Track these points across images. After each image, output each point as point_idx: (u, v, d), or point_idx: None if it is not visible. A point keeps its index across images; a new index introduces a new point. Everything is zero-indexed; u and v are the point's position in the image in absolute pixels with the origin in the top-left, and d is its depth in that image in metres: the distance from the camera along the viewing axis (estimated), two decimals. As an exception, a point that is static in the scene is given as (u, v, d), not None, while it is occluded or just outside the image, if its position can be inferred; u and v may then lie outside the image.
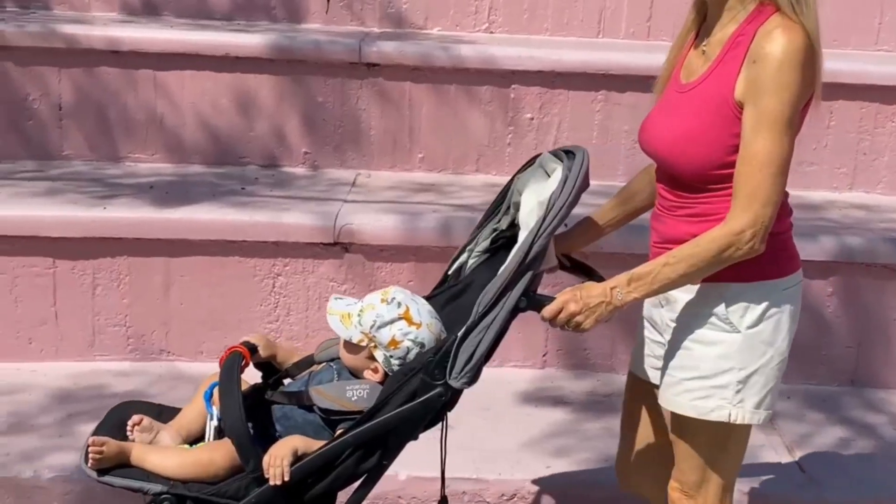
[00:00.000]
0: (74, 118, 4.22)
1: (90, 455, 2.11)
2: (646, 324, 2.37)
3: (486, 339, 2.07)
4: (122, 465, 2.15)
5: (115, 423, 2.27)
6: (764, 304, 2.15)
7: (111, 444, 2.13)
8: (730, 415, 2.18)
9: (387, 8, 4.75)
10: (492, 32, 4.79)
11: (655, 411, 2.40)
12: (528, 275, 2.08)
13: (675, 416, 2.25)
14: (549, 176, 2.18)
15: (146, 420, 2.24)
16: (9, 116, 4.17)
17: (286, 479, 2.06)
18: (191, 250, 3.60)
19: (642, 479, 2.52)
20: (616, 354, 3.70)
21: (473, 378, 2.09)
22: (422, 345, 2.21)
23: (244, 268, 3.62)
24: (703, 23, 2.22)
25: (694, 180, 2.13)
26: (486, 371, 3.56)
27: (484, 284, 2.25)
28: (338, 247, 3.61)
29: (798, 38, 2.01)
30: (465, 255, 2.41)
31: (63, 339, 3.63)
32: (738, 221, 2.04)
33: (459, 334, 2.08)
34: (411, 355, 2.21)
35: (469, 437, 3.18)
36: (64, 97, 4.20)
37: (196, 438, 2.28)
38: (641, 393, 2.42)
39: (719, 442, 2.24)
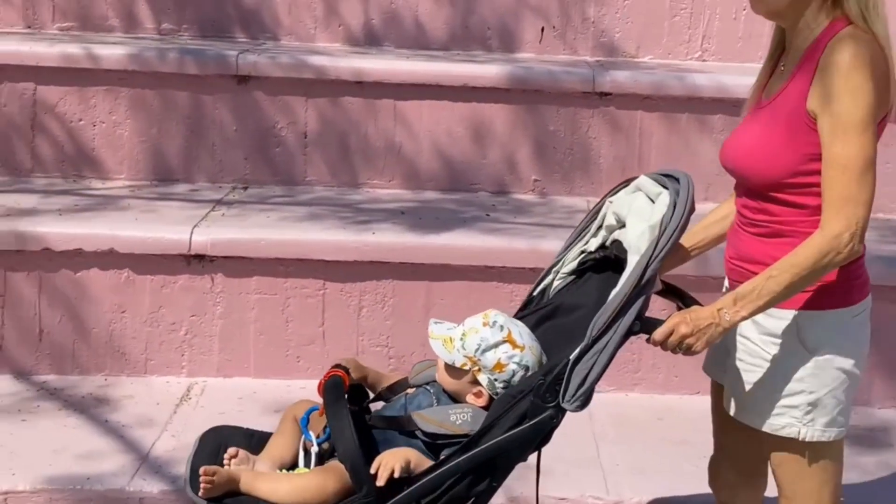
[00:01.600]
0: (318, 145, 4.42)
1: (202, 484, 2.13)
2: None
3: (600, 363, 2.09)
4: (230, 493, 2.17)
5: (210, 449, 2.30)
6: (836, 332, 2.21)
7: (221, 473, 2.15)
8: (799, 432, 2.23)
9: (599, 37, 4.88)
10: (704, 60, 4.89)
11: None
12: (642, 298, 2.11)
13: (770, 443, 2.31)
14: (653, 201, 2.20)
15: (242, 453, 2.26)
16: (258, 143, 4.40)
17: (396, 475, 2.09)
18: (451, 275, 3.76)
19: (723, 483, 2.57)
20: (872, 388, 3.74)
21: (586, 401, 2.11)
22: (526, 367, 2.23)
23: (501, 293, 3.76)
24: (785, 48, 2.27)
25: (766, 189, 2.19)
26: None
27: (573, 305, 2.32)
28: (594, 274, 3.73)
29: (866, 45, 2.07)
30: (550, 277, 2.42)
31: (329, 357, 3.80)
32: (833, 226, 2.08)
33: (572, 357, 2.09)
34: (516, 378, 2.22)
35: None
36: (309, 125, 4.41)
37: (290, 465, 2.29)
38: (715, 395, 2.48)
39: (815, 462, 2.28)
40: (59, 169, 4.35)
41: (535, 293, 2.44)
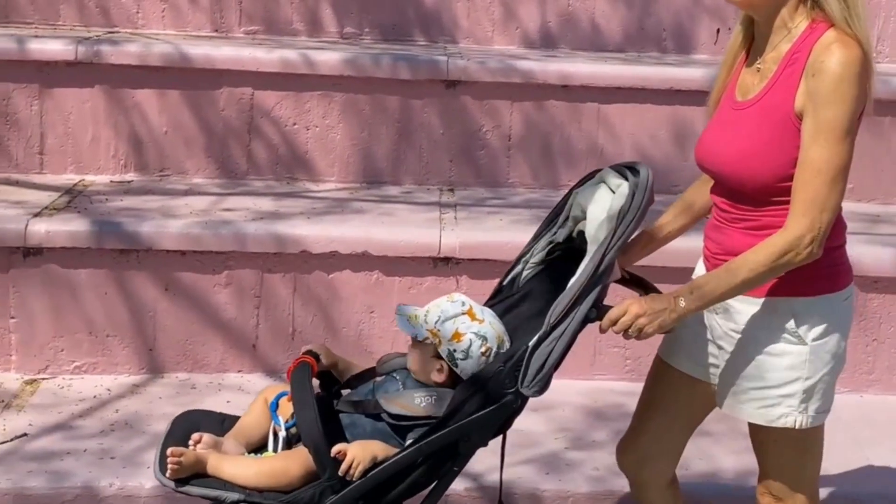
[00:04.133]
0: (521, 148, 4.51)
1: (169, 465, 2.19)
2: (696, 321, 2.39)
3: (557, 350, 2.16)
4: (198, 474, 2.23)
5: (182, 432, 2.34)
6: (828, 317, 2.27)
7: (189, 455, 2.21)
8: (796, 421, 2.29)
9: (774, 39, 4.95)
10: (878, 62, 4.93)
11: (683, 404, 2.49)
12: (599, 287, 2.17)
13: (754, 427, 2.37)
14: (613, 192, 2.24)
15: (206, 437, 2.30)
16: (464, 146, 4.48)
17: (356, 477, 2.15)
18: (684, 277, 3.80)
19: (650, 466, 2.58)
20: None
21: (544, 387, 2.19)
22: (484, 338, 2.29)
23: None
24: (753, 42, 2.30)
25: (759, 194, 2.22)
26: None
27: (541, 294, 2.37)
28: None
29: (854, 51, 2.11)
30: (519, 266, 2.46)
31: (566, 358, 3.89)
32: (797, 227, 2.13)
33: (531, 344, 2.16)
34: (474, 348, 2.28)
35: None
36: (514, 128, 4.49)
37: (256, 448, 2.35)
38: (673, 383, 2.50)
39: (801, 445, 2.35)
40: (273, 171, 4.43)
41: (504, 283, 2.48)
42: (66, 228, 3.64)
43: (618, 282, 2.37)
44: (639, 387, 3.73)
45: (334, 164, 4.46)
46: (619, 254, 2.19)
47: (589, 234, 2.24)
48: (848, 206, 4.34)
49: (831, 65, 2.11)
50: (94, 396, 3.55)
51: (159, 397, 3.56)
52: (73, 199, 3.97)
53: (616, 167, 2.31)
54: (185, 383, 3.69)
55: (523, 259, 2.46)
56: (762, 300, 2.28)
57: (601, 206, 2.23)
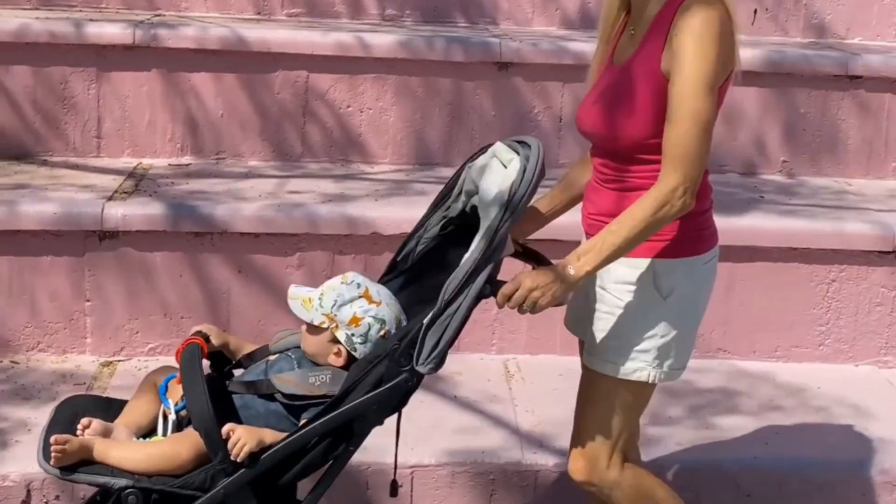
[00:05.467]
0: (571, 128, 4.52)
1: (52, 453, 2.12)
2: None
3: (452, 327, 2.15)
4: (84, 461, 2.16)
5: (66, 418, 2.27)
6: (687, 279, 2.35)
7: (73, 441, 2.14)
8: (649, 375, 2.37)
9: (810, 19, 5.03)
10: (916, 42, 5.02)
11: None
12: (492, 263, 2.17)
13: (591, 378, 2.43)
14: (505, 167, 2.24)
15: (96, 423, 2.24)
16: (516, 128, 4.49)
17: (242, 461, 2.13)
18: (755, 256, 3.89)
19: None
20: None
21: (439, 364, 2.18)
22: (382, 321, 2.27)
23: (801, 273, 3.90)
24: (629, 11, 2.37)
25: (629, 151, 2.30)
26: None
27: (435, 270, 2.35)
28: (893, 255, 3.88)
29: (715, 11, 2.20)
30: (413, 242, 2.45)
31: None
32: (669, 180, 2.20)
33: (425, 322, 2.15)
34: (372, 332, 2.26)
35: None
36: (565, 109, 4.53)
37: (146, 432, 2.30)
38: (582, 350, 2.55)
39: (628, 403, 2.42)
40: (328, 154, 4.45)
41: (398, 258, 2.47)
42: (142, 212, 3.65)
43: (512, 255, 2.37)
44: (705, 363, 3.85)
45: (388, 147, 4.49)
46: (511, 229, 2.19)
47: (481, 209, 2.24)
48: (893, 184, 4.49)
49: (692, 23, 2.18)
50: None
51: (237, 378, 3.58)
52: (139, 182, 3.98)
53: (507, 142, 2.31)
54: (260, 364, 3.71)
55: (417, 234, 2.44)
56: (628, 260, 2.32)
57: (493, 181, 2.23)
